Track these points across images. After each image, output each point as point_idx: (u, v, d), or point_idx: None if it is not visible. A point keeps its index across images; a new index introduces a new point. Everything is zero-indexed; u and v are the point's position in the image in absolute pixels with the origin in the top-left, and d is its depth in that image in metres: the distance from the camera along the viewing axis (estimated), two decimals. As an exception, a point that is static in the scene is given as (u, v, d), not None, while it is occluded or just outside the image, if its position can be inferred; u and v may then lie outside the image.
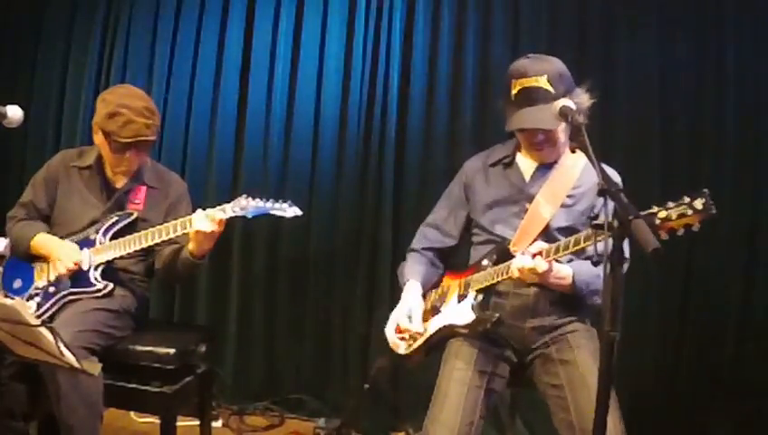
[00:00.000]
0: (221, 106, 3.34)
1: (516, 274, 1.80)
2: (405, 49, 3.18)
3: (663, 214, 1.48)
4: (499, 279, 1.90)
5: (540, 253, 1.77)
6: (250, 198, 2.18)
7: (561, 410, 1.84)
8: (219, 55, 3.34)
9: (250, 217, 2.18)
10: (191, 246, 2.19)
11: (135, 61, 3.40)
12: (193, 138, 3.35)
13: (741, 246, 2.87)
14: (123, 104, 2.25)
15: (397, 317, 2.06)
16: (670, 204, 1.49)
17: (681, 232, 1.48)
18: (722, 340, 2.89)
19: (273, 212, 2.19)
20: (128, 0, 3.42)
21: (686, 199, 1.47)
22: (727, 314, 2.89)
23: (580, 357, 1.87)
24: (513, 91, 1.92)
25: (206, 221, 2.12)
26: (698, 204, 1.45)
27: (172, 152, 3.33)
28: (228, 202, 2.19)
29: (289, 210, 2.20)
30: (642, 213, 1.51)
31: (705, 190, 1.46)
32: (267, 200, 2.20)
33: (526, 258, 1.78)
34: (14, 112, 1.97)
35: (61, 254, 2.26)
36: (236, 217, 2.17)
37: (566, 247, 1.74)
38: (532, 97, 1.88)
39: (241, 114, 3.34)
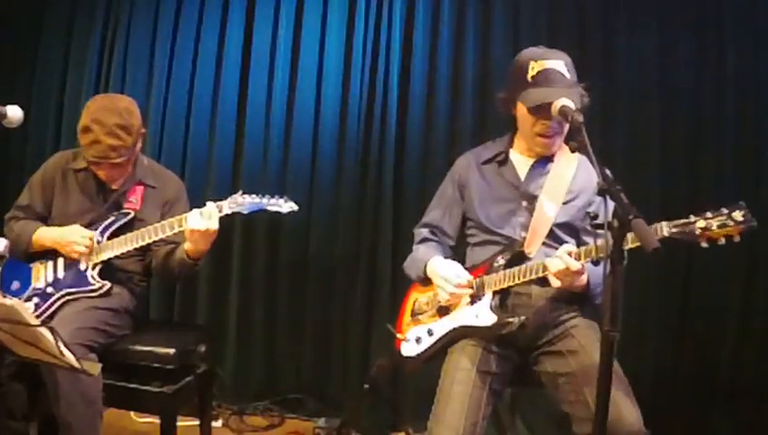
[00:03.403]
0: (221, 106, 3.33)
1: (556, 282, 1.79)
2: (405, 49, 3.18)
3: (702, 223, 1.54)
4: (523, 280, 1.88)
5: (569, 254, 1.75)
6: (246, 195, 2.18)
7: (574, 393, 1.83)
8: (219, 55, 3.34)
9: (246, 213, 2.18)
10: (187, 246, 2.19)
11: (135, 61, 3.40)
12: (193, 138, 3.35)
13: (741, 248, 2.84)
14: (96, 119, 2.22)
15: (447, 279, 1.97)
16: (708, 214, 1.54)
17: (722, 241, 1.54)
18: (722, 340, 2.90)
19: (269, 208, 2.19)
20: (128, 0, 3.43)
21: (725, 211, 1.53)
22: (727, 314, 2.89)
23: (587, 346, 1.87)
24: (531, 73, 1.91)
25: (200, 220, 2.12)
26: (738, 216, 1.52)
27: (172, 152, 3.33)
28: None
29: (285, 205, 2.20)
30: (680, 222, 1.57)
31: (742, 203, 1.53)
32: (263, 196, 2.20)
33: (557, 261, 1.76)
34: (14, 112, 1.97)
35: (71, 238, 2.26)
36: (233, 213, 2.17)
37: (598, 250, 1.70)
38: (551, 78, 1.88)
39: (241, 114, 3.34)
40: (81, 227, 2.30)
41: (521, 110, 1.98)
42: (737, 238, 1.52)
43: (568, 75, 1.91)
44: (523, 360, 2.00)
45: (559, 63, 1.91)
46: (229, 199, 2.17)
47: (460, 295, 1.96)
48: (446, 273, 1.97)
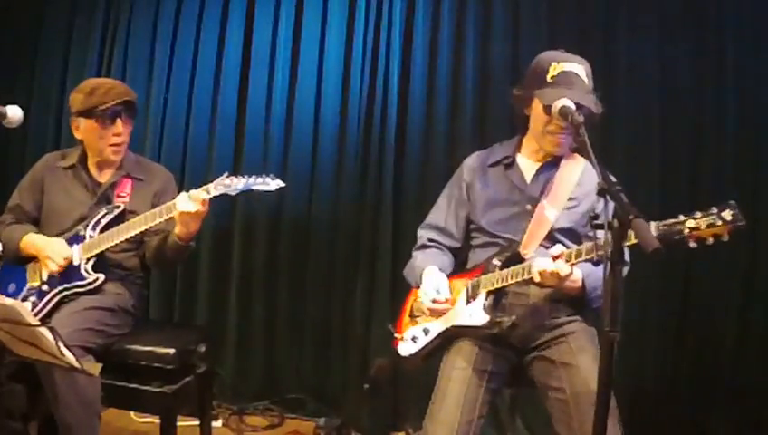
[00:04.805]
0: (221, 106, 3.34)
1: (537, 277, 1.78)
2: (405, 49, 3.18)
3: (691, 223, 1.52)
4: (513, 281, 1.88)
5: (560, 256, 1.75)
6: (233, 177, 2.18)
7: (562, 413, 1.84)
8: (219, 55, 3.35)
9: (234, 194, 2.18)
10: (177, 229, 2.20)
11: (135, 60, 3.40)
12: (193, 138, 3.35)
13: (741, 247, 2.86)
14: (98, 83, 2.38)
15: (426, 293, 1.98)
16: (697, 214, 1.53)
17: (711, 241, 1.52)
18: (722, 340, 2.89)
19: (255, 187, 2.18)
20: (128, 0, 3.43)
21: (714, 210, 1.51)
22: (727, 314, 2.89)
23: (581, 361, 1.86)
24: (552, 73, 1.92)
25: (189, 202, 2.13)
26: (727, 215, 1.50)
27: (172, 152, 3.33)
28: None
29: (272, 183, 2.19)
30: (669, 221, 1.55)
31: (733, 202, 1.51)
32: (249, 176, 2.19)
33: (547, 261, 1.75)
34: (14, 112, 1.97)
35: (49, 251, 2.27)
36: (220, 195, 2.17)
37: (589, 252, 1.71)
38: (571, 80, 1.90)
39: (241, 114, 3.34)
40: (64, 244, 2.30)
41: (536, 108, 1.98)
42: (726, 238, 1.51)
43: (587, 81, 1.92)
44: (520, 360, 2.00)
45: (580, 68, 1.93)
46: (216, 181, 2.17)
47: (435, 310, 1.97)
48: (427, 286, 1.98)
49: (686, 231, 1.52)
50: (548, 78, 1.92)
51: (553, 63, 1.93)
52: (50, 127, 3.49)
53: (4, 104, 1.97)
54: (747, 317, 2.87)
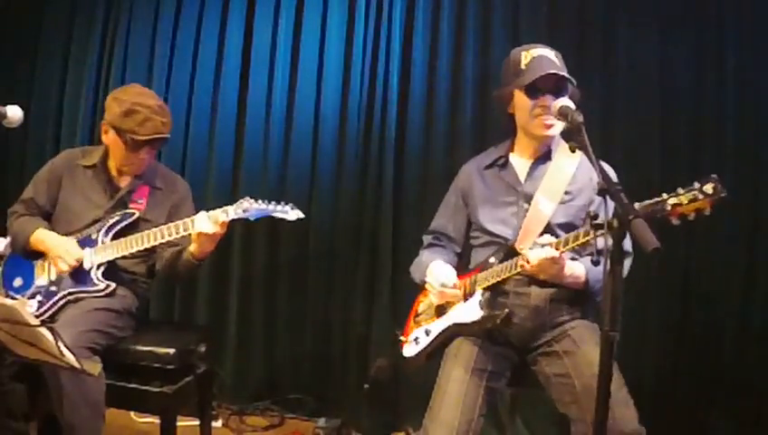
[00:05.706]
0: (221, 106, 3.34)
1: (527, 265, 1.80)
2: (405, 49, 3.18)
3: (673, 200, 1.52)
4: (506, 275, 1.90)
5: (549, 244, 1.77)
6: (252, 201, 2.17)
7: (569, 395, 1.84)
8: (219, 55, 3.35)
9: (252, 219, 2.18)
10: (193, 247, 2.20)
11: (135, 60, 3.40)
12: (193, 138, 3.35)
13: (741, 246, 2.86)
14: (139, 103, 2.29)
15: (436, 277, 2.01)
16: (680, 190, 1.53)
17: (692, 216, 1.52)
18: (722, 340, 2.89)
19: (275, 215, 2.19)
20: (128, 0, 3.43)
21: (696, 185, 1.51)
22: (727, 313, 2.89)
23: (583, 347, 1.88)
24: (525, 61, 1.96)
25: (208, 223, 2.12)
26: (709, 188, 1.49)
27: (172, 152, 3.32)
28: (229, 203, 2.19)
29: (291, 213, 2.20)
30: (651, 201, 1.55)
31: (714, 175, 1.50)
32: (270, 203, 2.19)
33: (536, 250, 1.78)
34: (14, 112, 1.97)
35: (60, 251, 2.26)
36: (239, 219, 2.17)
37: (575, 239, 1.74)
38: (544, 63, 1.93)
39: (241, 114, 3.34)
40: (75, 244, 2.29)
41: (518, 99, 2.00)
42: (708, 211, 1.50)
43: (559, 63, 1.96)
44: (522, 359, 2.01)
45: (550, 52, 1.98)
46: (236, 204, 2.17)
47: (446, 295, 2.00)
48: (436, 274, 2.02)
49: (669, 208, 1.52)
50: (522, 66, 1.96)
51: (523, 53, 1.98)
52: (50, 127, 3.49)
53: (4, 104, 1.97)
54: (747, 316, 2.87)
